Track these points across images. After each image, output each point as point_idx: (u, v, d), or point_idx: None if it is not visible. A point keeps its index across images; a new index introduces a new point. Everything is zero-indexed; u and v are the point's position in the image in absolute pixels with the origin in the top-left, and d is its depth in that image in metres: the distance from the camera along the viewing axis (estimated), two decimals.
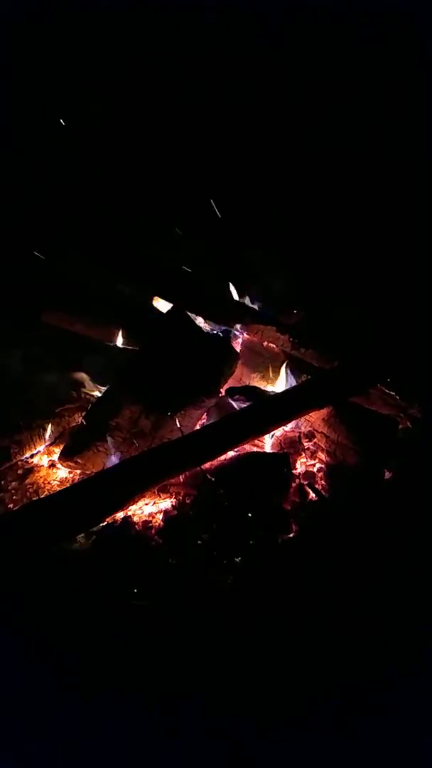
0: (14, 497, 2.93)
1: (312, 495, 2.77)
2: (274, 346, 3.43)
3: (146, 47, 4.41)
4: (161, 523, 2.61)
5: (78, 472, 3.04)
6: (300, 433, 3.21)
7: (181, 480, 2.81)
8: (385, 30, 4.21)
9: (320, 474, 2.96)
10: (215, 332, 3.59)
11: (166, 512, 2.69)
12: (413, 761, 1.72)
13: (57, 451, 3.23)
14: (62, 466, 3.08)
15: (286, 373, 3.38)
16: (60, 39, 4.28)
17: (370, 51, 4.27)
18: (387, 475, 2.90)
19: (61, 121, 4.29)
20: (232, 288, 3.76)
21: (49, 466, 3.23)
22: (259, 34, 4.32)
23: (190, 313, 3.47)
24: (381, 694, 1.88)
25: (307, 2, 4.21)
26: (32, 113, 4.36)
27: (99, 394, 3.58)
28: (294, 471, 2.95)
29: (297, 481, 2.87)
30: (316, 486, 2.84)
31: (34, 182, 4.33)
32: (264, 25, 4.29)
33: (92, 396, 3.79)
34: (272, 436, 3.16)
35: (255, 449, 3.06)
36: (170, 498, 2.79)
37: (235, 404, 3.18)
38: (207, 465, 2.75)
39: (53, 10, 4.20)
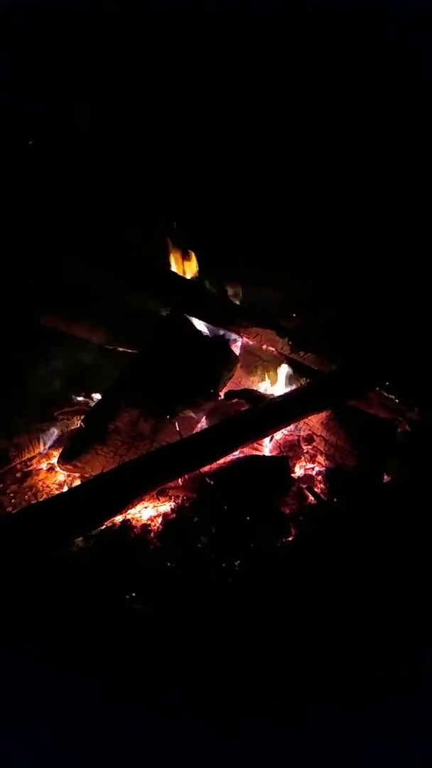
0: (13, 500, 2.93)
1: (311, 498, 2.77)
2: (273, 349, 3.43)
3: (147, 47, 4.42)
4: (160, 527, 2.61)
5: (77, 475, 3.03)
6: (299, 436, 3.21)
7: (180, 483, 2.80)
8: (387, 34, 4.23)
9: (319, 477, 2.96)
10: (214, 335, 3.59)
11: (165, 515, 2.68)
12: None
13: (56, 454, 3.22)
14: (61, 469, 3.07)
15: (285, 376, 3.38)
16: (60, 38, 4.28)
17: (371, 55, 4.28)
18: (386, 478, 2.90)
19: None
20: (231, 291, 3.76)
21: (48, 469, 3.23)
22: (259, 36, 4.33)
23: (189, 316, 3.47)
24: (381, 696, 1.87)
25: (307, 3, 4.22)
26: (32, 113, 4.37)
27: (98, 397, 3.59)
28: (293, 474, 2.95)
29: (296, 484, 2.87)
30: (315, 489, 2.84)
31: (34, 182, 4.33)
32: (264, 27, 4.31)
33: (91, 399, 3.79)
34: (271, 439, 3.16)
35: (254, 452, 3.06)
36: (169, 501, 2.79)
37: (234, 407, 3.18)
38: (206, 468, 2.75)
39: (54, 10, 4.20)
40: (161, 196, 4.46)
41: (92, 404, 3.68)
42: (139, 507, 2.72)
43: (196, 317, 3.51)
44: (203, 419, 3.21)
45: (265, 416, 2.77)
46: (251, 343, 3.54)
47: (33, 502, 2.85)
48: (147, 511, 2.75)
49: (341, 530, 2.55)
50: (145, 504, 2.77)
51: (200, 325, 3.58)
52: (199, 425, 3.20)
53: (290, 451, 3.12)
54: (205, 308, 3.47)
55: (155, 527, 2.62)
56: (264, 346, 3.48)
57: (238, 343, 3.65)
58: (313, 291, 4.09)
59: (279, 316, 3.67)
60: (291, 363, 3.37)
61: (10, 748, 1.73)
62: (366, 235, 4.28)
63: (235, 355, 3.42)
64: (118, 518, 2.59)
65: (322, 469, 3.02)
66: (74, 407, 3.71)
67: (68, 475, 3.08)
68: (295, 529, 2.56)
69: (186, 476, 2.75)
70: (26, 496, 2.95)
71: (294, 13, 4.24)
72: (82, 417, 3.40)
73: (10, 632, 2.02)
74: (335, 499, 2.79)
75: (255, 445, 3.02)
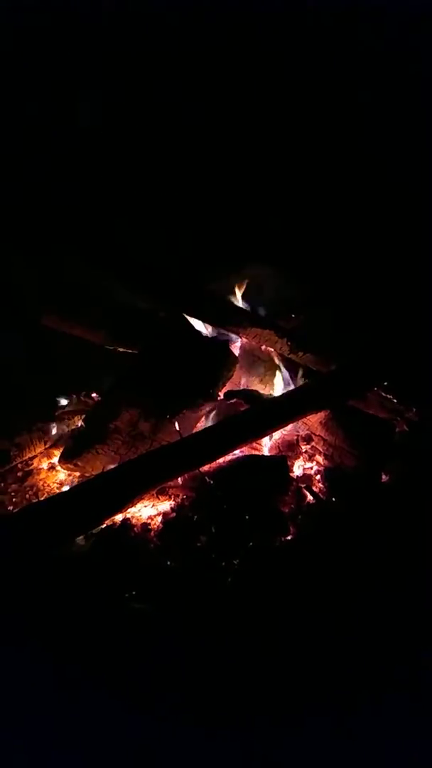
0: (14, 499, 2.95)
1: (310, 498, 2.79)
2: (272, 349, 3.45)
3: (147, 47, 4.42)
4: (160, 526, 2.63)
5: (77, 474, 3.05)
6: (298, 436, 3.23)
7: (180, 482, 2.82)
8: (387, 34, 4.23)
9: (318, 477, 2.98)
10: (214, 336, 3.61)
11: (164, 515, 2.70)
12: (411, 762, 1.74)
13: (57, 453, 3.24)
14: (62, 468, 3.09)
15: (284, 376, 3.40)
16: (60, 38, 4.28)
17: (371, 55, 4.29)
18: (384, 478, 2.92)
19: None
20: (231, 291, 3.77)
21: (49, 468, 3.25)
22: (260, 36, 4.34)
23: (188, 317, 3.48)
24: (380, 695, 1.89)
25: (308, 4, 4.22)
26: (31, 112, 4.38)
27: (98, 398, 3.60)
28: (292, 474, 2.96)
29: (295, 483, 2.89)
30: (314, 489, 2.85)
31: (34, 182, 4.34)
32: (265, 27, 4.31)
33: (91, 399, 3.81)
34: (270, 439, 3.18)
35: (253, 452, 3.08)
36: (169, 500, 2.81)
37: (233, 407, 3.20)
38: (205, 468, 2.76)
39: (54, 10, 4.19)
40: (161, 196, 4.47)
41: (93, 404, 3.70)
42: (139, 506, 2.74)
43: (195, 317, 3.53)
44: (203, 419, 3.23)
45: (264, 416, 2.78)
46: (251, 343, 3.55)
47: (34, 501, 2.87)
48: (147, 510, 2.77)
49: (340, 529, 2.57)
50: (145, 503, 2.79)
51: (200, 325, 3.60)
52: (199, 425, 3.21)
53: (289, 451, 3.13)
54: (204, 308, 3.48)
55: (155, 526, 2.64)
56: (263, 347, 3.50)
57: (238, 343, 3.66)
58: (312, 291, 4.10)
59: (278, 316, 3.68)
60: (290, 363, 3.39)
61: (10, 748, 1.74)
62: (366, 235, 4.29)
63: (235, 355, 3.43)
64: (118, 517, 2.61)
65: (321, 468, 3.03)
66: (75, 407, 3.72)
67: (69, 474, 3.10)
68: (294, 528, 2.58)
69: (186, 475, 2.77)
70: (27, 495, 2.97)
71: (294, 13, 4.25)
72: (83, 417, 3.41)
73: (10, 631, 2.03)
74: (334, 499, 2.80)
75: (254, 444, 3.03)
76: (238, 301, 3.71)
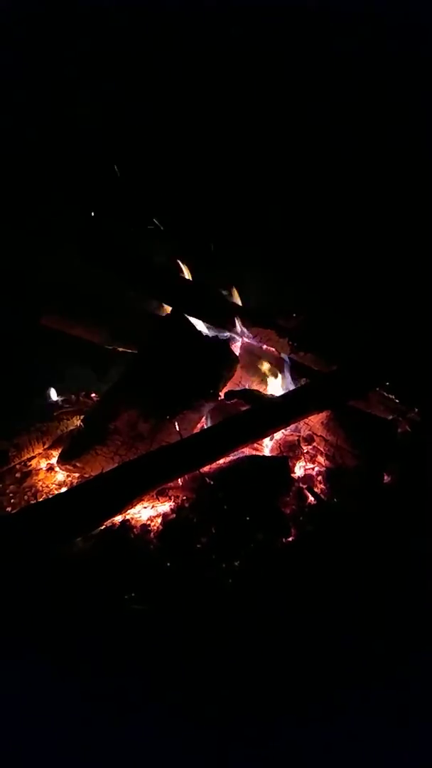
0: (12, 500, 2.93)
1: (311, 498, 2.76)
2: (274, 349, 3.43)
3: (147, 46, 4.42)
4: (160, 527, 2.61)
5: (76, 475, 3.03)
6: (299, 436, 3.21)
7: (180, 483, 2.80)
8: (386, 33, 4.23)
9: (319, 477, 2.96)
10: (214, 336, 3.59)
11: (164, 516, 2.68)
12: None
13: (55, 454, 3.22)
14: (61, 469, 3.07)
15: (285, 376, 3.38)
16: (60, 38, 4.28)
17: (372, 54, 4.28)
18: (386, 478, 2.90)
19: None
20: (231, 291, 3.76)
21: (48, 469, 3.23)
22: (260, 33, 4.33)
23: (189, 317, 3.47)
24: (380, 695, 1.87)
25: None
26: (32, 112, 4.38)
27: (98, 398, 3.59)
28: (293, 474, 2.94)
29: (296, 484, 2.87)
30: (315, 489, 2.83)
31: (34, 183, 4.34)
32: (264, 25, 4.31)
33: (91, 399, 3.79)
34: (271, 439, 3.16)
35: (254, 453, 3.06)
36: (169, 501, 2.79)
37: (234, 407, 3.18)
38: (206, 468, 2.75)
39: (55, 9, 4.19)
40: (161, 196, 4.47)
41: (92, 404, 3.68)
42: (138, 507, 2.72)
43: (196, 317, 3.51)
44: (203, 419, 3.21)
45: (264, 416, 2.77)
46: (252, 343, 3.54)
47: (32, 502, 2.85)
48: (147, 511, 2.75)
49: (341, 530, 2.55)
50: (145, 504, 2.77)
51: (200, 325, 3.58)
52: (199, 425, 3.20)
53: (290, 451, 3.11)
54: (205, 308, 3.47)
55: (155, 527, 2.62)
56: (264, 346, 3.48)
57: (238, 343, 3.64)
58: (313, 291, 4.09)
59: (279, 316, 3.67)
60: (291, 363, 3.37)
61: (9, 748, 1.73)
62: (366, 235, 4.28)
63: (235, 355, 3.41)
64: (118, 518, 2.59)
65: (322, 469, 3.01)
66: (74, 407, 3.71)
67: (68, 475, 3.08)
68: (295, 529, 2.56)
69: (186, 476, 2.75)
70: (26, 497, 2.95)
71: (294, 13, 4.25)
72: (82, 417, 3.40)
73: (10, 633, 2.02)
74: (335, 500, 2.79)
75: (255, 445, 3.01)
76: (237, 299, 3.69)
